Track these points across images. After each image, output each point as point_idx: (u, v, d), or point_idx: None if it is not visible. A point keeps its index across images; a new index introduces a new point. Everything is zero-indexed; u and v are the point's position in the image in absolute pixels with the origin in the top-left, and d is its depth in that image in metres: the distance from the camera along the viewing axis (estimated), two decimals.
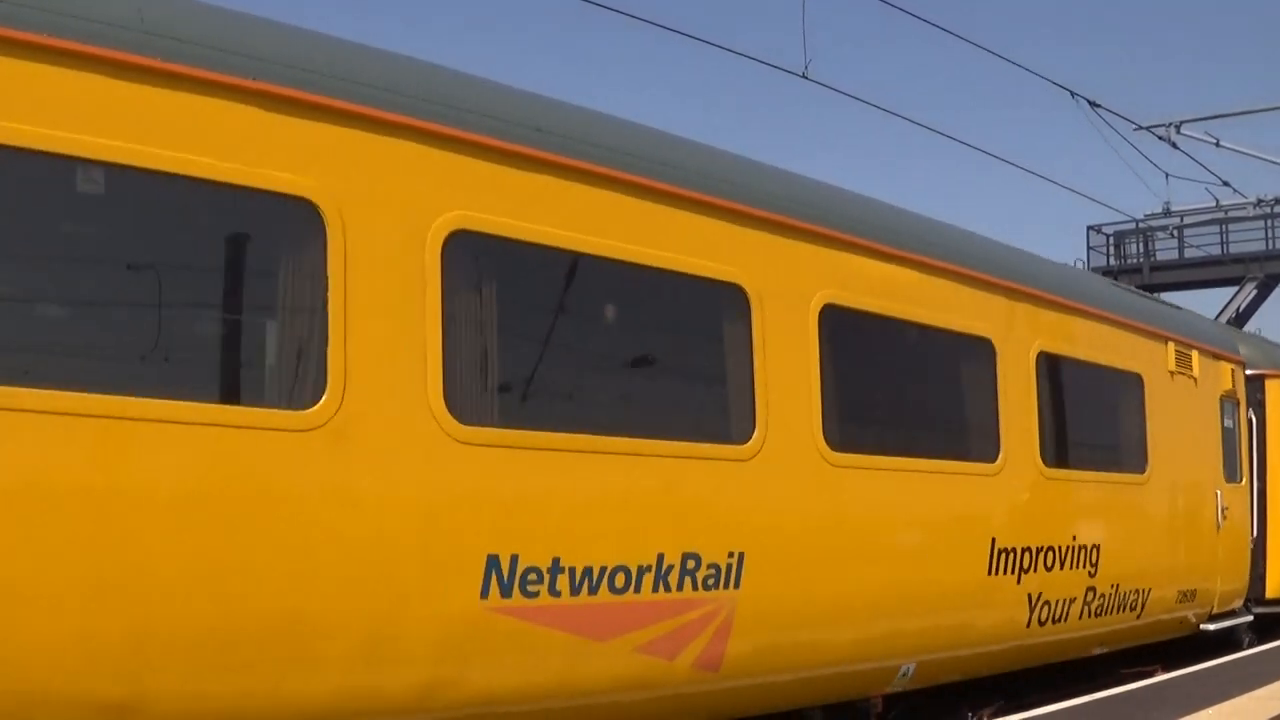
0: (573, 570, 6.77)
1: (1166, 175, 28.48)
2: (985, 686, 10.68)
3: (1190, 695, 9.47)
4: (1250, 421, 14.88)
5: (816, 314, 8.41)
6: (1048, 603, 10.56)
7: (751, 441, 7.86)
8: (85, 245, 5.56)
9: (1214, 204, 30.15)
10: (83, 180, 5.34)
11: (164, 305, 5.58)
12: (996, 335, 10.12)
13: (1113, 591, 11.51)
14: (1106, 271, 37.45)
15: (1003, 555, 10.00)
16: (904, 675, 9.20)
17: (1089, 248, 42.34)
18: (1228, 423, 14.14)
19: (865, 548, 8.65)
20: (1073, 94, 18.44)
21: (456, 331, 6.43)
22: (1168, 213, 31.90)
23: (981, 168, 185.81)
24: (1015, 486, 10.22)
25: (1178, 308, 14.66)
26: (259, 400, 5.81)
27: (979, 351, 9.97)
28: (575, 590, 6.78)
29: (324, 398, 5.89)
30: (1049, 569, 10.55)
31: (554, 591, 6.68)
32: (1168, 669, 12.51)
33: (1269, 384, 15.25)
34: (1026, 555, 10.26)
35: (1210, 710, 8.75)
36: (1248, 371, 14.93)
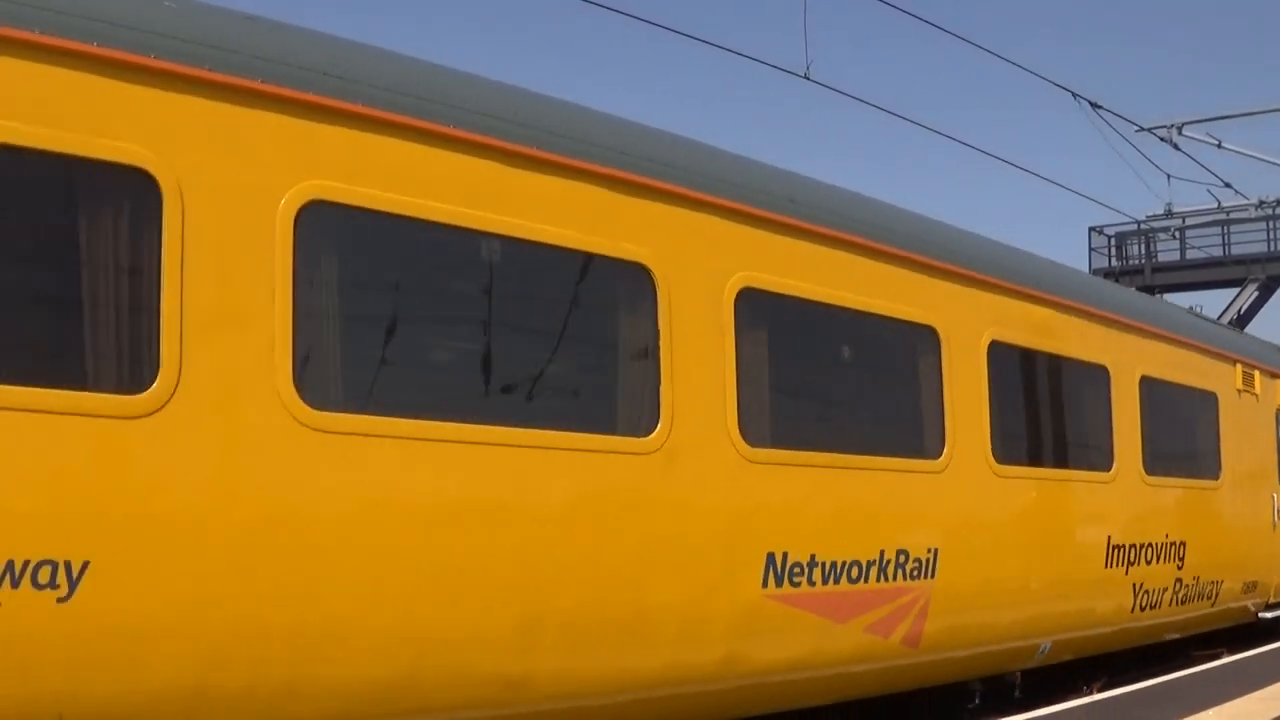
0: (824, 564, 8.42)
1: (1168, 176, 29.01)
2: (1089, 665, 12.44)
3: (1192, 696, 9.70)
4: None
5: (985, 350, 10.09)
6: (1147, 591, 12.34)
7: (943, 456, 9.55)
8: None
9: (1216, 205, 30.59)
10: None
11: (556, 354, 7.18)
12: (1111, 363, 11.87)
13: (1194, 582, 13.31)
14: (1108, 273, 38.48)
15: (1115, 551, 11.76)
16: (1042, 652, 10.93)
17: (1090, 249, 42.82)
18: None
19: (1022, 544, 10.38)
20: (1075, 95, 18.61)
21: (745, 373, 8.04)
22: (1169, 214, 32.32)
23: (983, 169, 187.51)
24: (1125, 491, 11.99)
25: (1240, 331, 16.48)
26: (616, 430, 7.41)
27: (1098, 377, 11.72)
28: (825, 580, 8.43)
29: (658, 428, 7.51)
30: (1148, 563, 12.32)
31: (810, 582, 8.33)
32: (1232, 652, 14.33)
33: None
34: (1132, 551, 12.03)
35: (1211, 711, 8.93)
36: None
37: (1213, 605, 13.96)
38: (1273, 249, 38.90)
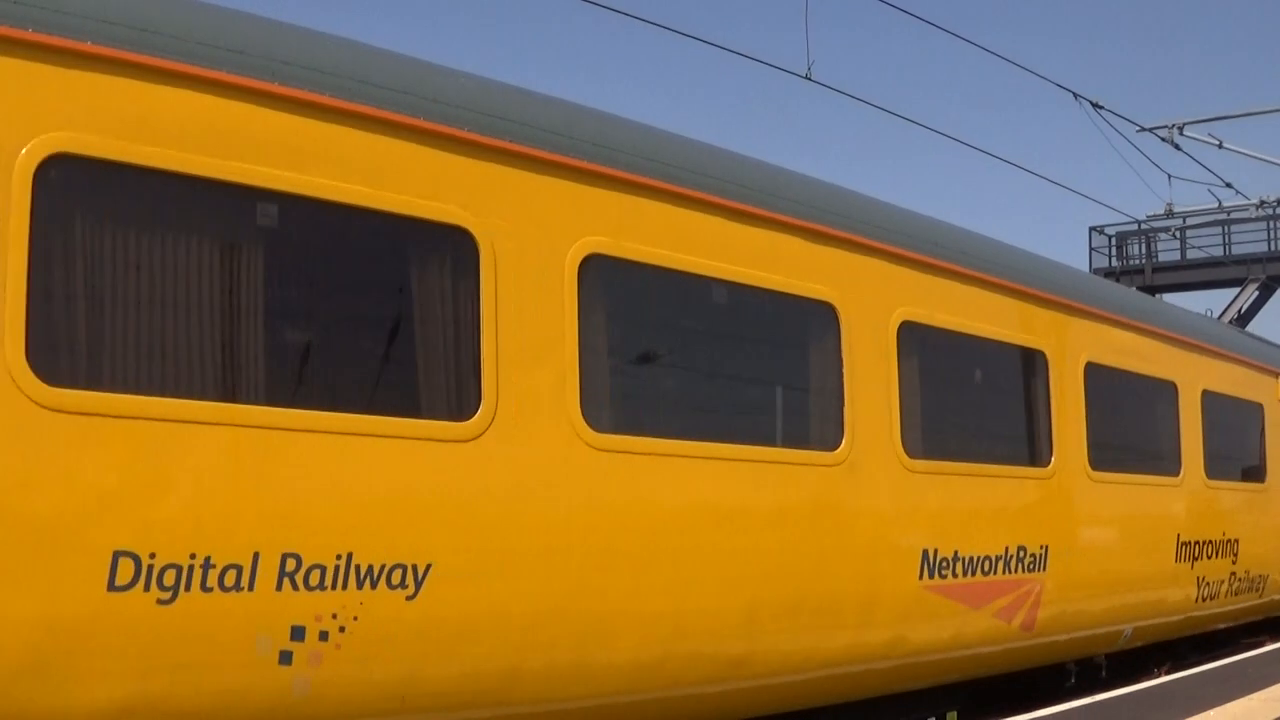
0: (964, 559, 9.83)
1: (1169, 176, 28.52)
2: (1153, 650, 13.92)
3: (1193, 697, 9.92)
4: None
5: (1083, 371, 11.52)
6: (1208, 583, 13.84)
7: (1052, 465, 10.98)
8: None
9: (1216, 205, 30.31)
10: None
11: (771, 381, 8.55)
12: (1179, 379, 13.37)
13: (1245, 575, 14.84)
14: (1109, 273, 39.40)
15: (1183, 547, 13.25)
16: (1125, 637, 12.39)
17: (1091, 249, 43.39)
18: None
19: (1112, 540, 11.84)
20: (1076, 95, 18.83)
21: (905, 395, 9.43)
22: (1170, 214, 31.93)
23: (984, 169, 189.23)
24: (1190, 494, 13.49)
25: (1273, 344, 18.03)
26: (810, 445, 8.78)
27: (1168, 392, 13.21)
28: (965, 573, 9.84)
29: (842, 443, 8.88)
30: (1209, 558, 13.83)
31: (954, 574, 9.73)
32: (1274, 640, 15.87)
33: None
34: (1196, 547, 13.53)
35: (1213, 712, 9.13)
36: None
37: (1260, 596, 15.50)
38: (1273, 249, 39.40)
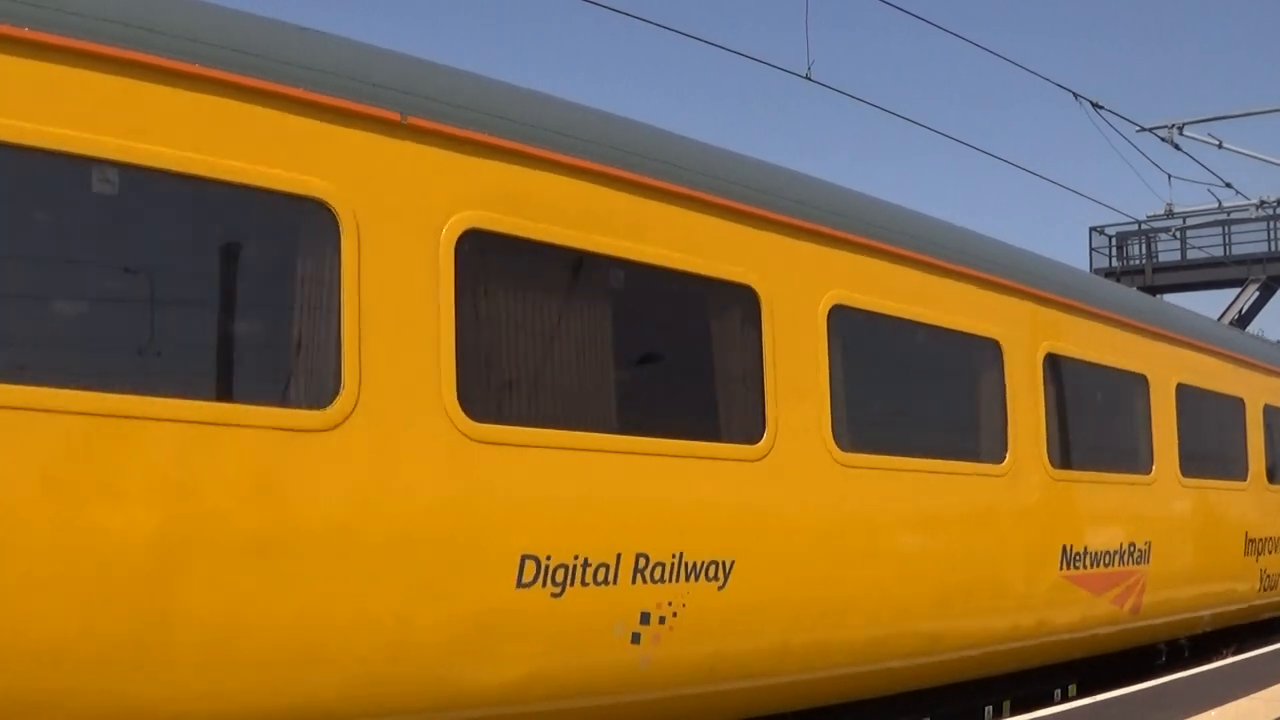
0: (1092, 553, 11.57)
1: (1169, 176, 28.53)
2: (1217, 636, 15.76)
3: (1194, 697, 10.18)
4: None
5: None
6: (1268, 575, 15.70)
7: (1153, 472, 12.78)
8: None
9: (1216, 205, 30.05)
10: None
11: (964, 405, 10.24)
12: (1246, 396, 15.19)
13: None
14: (1109, 273, 41.00)
15: (1250, 543, 15.09)
16: (1204, 621, 14.21)
17: (1091, 249, 44.34)
18: None
19: (1199, 538, 13.67)
20: (1076, 96, 19.08)
21: (1050, 414, 11.14)
22: (1170, 214, 31.14)
23: (984, 169, 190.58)
24: (1254, 496, 15.35)
25: None
26: (981, 459, 10.46)
27: (1238, 407, 15.04)
28: (1092, 565, 11.58)
29: (1007, 456, 10.57)
30: (1269, 553, 15.69)
31: (1085, 565, 11.47)
32: None
33: None
34: (1260, 543, 15.38)
35: (1214, 712, 9.33)
36: None
37: None
38: (1273, 249, 40.27)
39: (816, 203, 9.22)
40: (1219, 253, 41.42)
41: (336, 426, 6.36)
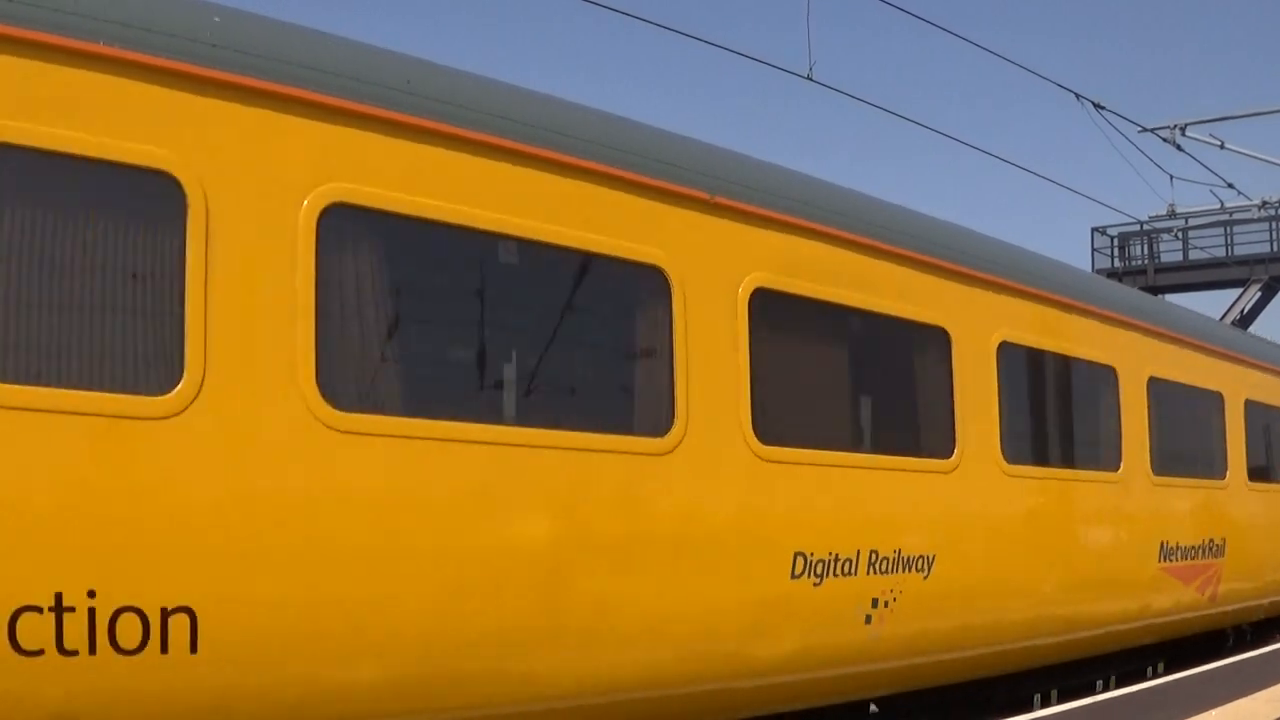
0: (1182, 548, 13.61)
1: (1171, 177, 29.89)
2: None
3: (1193, 696, 10.32)
4: None
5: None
6: None
7: (1227, 478, 14.87)
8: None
9: (1218, 206, 30.35)
10: None
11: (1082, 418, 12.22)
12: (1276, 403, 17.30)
13: None
14: (1111, 273, 42.09)
15: None
16: (1264, 609, 16.30)
17: (1094, 249, 44.99)
18: None
19: (1260, 534, 15.77)
20: (1078, 96, 19.36)
21: (1153, 423, 13.14)
22: (1172, 215, 31.79)
23: (986, 169, 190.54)
24: None
25: None
26: (1105, 467, 12.42)
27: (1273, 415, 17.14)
28: (1182, 558, 13.61)
29: (1121, 465, 12.55)
30: None
31: (1177, 558, 13.50)
32: None
33: None
34: None
35: (1214, 712, 9.47)
36: None
37: None
38: (1275, 249, 41.30)
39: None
40: (1221, 253, 42.20)
41: (670, 452, 8.21)
